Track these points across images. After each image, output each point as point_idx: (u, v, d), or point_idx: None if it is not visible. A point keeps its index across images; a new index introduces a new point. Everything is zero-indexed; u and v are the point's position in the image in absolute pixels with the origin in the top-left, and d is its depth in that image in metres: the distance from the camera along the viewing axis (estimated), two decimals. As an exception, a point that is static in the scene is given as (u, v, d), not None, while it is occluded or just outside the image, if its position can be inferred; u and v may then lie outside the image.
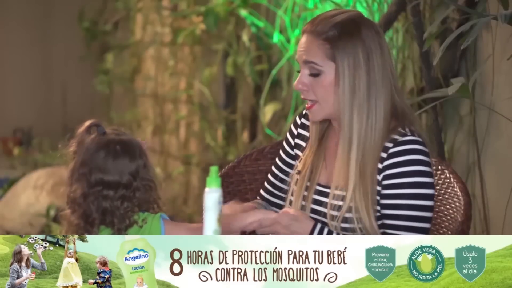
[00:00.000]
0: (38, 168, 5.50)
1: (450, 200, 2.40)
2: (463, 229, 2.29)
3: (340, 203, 2.20)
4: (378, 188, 2.19)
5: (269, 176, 2.45)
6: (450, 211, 2.39)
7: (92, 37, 6.52)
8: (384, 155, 2.18)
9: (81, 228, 2.09)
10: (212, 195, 1.92)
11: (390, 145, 2.18)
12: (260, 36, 4.41)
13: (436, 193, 2.38)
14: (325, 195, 2.25)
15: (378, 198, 2.19)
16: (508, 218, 3.00)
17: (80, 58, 6.57)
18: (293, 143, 2.40)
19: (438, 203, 2.42)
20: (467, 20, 2.88)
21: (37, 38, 7.09)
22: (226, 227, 2.02)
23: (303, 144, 2.37)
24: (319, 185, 2.28)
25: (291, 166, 2.40)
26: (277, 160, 2.44)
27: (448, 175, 2.43)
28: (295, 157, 2.39)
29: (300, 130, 2.39)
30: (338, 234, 2.18)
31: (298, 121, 2.40)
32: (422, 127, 2.29)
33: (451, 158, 3.27)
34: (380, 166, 2.18)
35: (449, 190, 2.41)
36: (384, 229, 2.17)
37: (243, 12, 4.35)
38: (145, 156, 2.12)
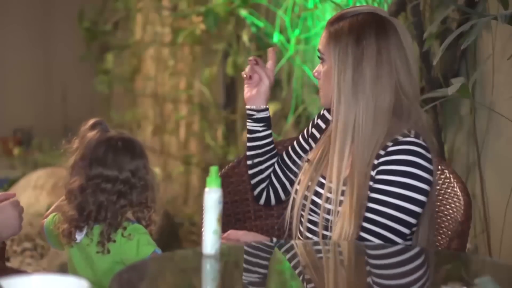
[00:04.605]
0: (38, 168, 5.49)
1: (450, 200, 2.40)
2: (463, 229, 2.29)
3: (330, 195, 2.23)
4: (371, 183, 2.19)
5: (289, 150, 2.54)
6: (450, 211, 2.39)
7: (92, 37, 6.52)
8: (382, 152, 2.19)
9: (75, 219, 2.10)
10: (212, 195, 1.93)
11: (390, 144, 2.19)
12: (260, 36, 4.41)
13: (436, 193, 2.38)
14: (323, 187, 2.28)
15: (368, 192, 2.19)
16: (508, 218, 3.00)
17: (80, 58, 6.57)
18: (309, 132, 2.50)
19: (438, 203, 2.42)
20: (467, 20, 2.88)
21: (37, 38, 7.09)
22: None
23: (318, 135, 2.46)
24: (322, 177, 2.30)
25: (300, 151, 2.50)
26: (294, 142, 2.53)
27: (448, 175, 2.43)
28: (308, 144, 2.49)
29: (319, 121, 2.49)
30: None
31: (321, 112, 2.50)
32: (429, 132, 2.28)
33: (451, 158, 3.27)
34: (375, 162, 2.19)
35: (449, 190, 2.41)
36: (364, 221, 2.16)
37: (243, 12, 4.34)
38: (145, 157, 2.13)
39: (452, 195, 2.40)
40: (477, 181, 3.13)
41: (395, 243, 2.15)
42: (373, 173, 2.19)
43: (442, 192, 2.43)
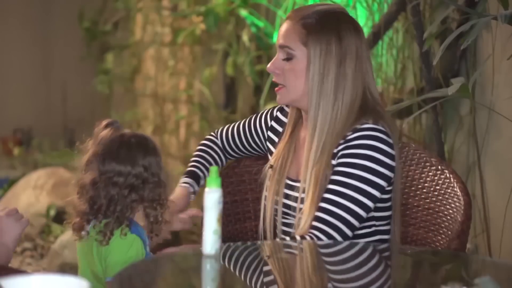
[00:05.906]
0: (38, 168, 5.49)
1: (450, 200, 2.40)
2: (463, 229, 2.29)
3: (304, 195, 2.22)
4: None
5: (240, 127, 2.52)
6: (450, 211, 2.39)
7: (92, 37, 6.51)
8: (341, 141, 2.19)
9: (86, 214, 2.11)
10: (212, 195, 1.93)
11: (349, 133, 2.19)
12: (260, 36, 4.41)
13: (436, 193, 2.39)
14: (293, 188, 2.27)
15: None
16: (508, 218, 3.00)
17: (80, 58, 6.56)
18: (266, 135, 2.44)
19: (438, 203, 2.42)
20: (467, 20, 2.88)
21: (37, 38, 7.08)
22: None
23: (275, 139, 2.41)
24: (289, 178, 2.29)
25: (246, 134, 2.49)
26: (245, 121, 2.51)
27: (448, 175, 2.43)
28: (257, 131, 2.46)
29: (273, 123, 2.43)
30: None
31: (274, 114, 2.44)
32: (395, 126, 2.30)
33: (451, 158, 3.27)
34: (335, 150, 2.19)
35: (449, 190, 2.41)
36: (323, 202, 2.16)
37: (243, 12, 4.34)
38: (159, 155, 2.15)
39: (452, 195, 2.40)
40: (477, 181, 3.13)
41: (353, 226, 2.15)
42: (333, 161, 2.19)
43: (442, 192, 2.43)
